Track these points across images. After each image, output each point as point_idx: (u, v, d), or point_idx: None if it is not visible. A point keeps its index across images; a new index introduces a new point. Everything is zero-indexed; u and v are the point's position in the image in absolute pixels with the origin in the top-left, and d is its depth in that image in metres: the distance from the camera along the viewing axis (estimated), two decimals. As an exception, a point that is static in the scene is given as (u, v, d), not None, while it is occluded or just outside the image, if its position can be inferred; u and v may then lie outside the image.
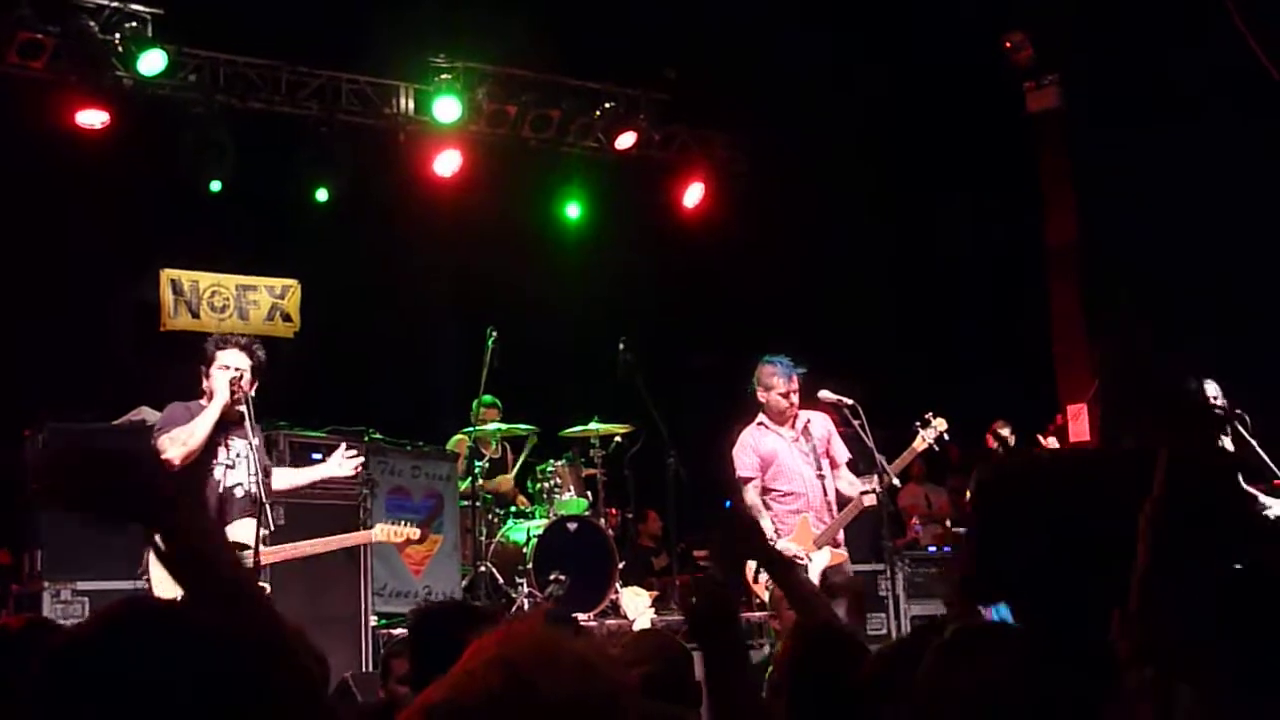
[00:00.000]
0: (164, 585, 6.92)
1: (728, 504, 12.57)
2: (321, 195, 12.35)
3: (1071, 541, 2.42)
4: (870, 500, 8.62)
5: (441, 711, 1.48)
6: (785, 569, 4.41)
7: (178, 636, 1.71)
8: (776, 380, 8.86)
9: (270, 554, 7.18)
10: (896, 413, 9.70)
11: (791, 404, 8.83)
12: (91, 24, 10.77)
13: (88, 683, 1.68)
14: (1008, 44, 12.78)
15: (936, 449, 8.89)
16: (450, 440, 11.33)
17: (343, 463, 7.74)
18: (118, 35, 10.87)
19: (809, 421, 8.97)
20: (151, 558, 7.06)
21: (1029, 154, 12.99)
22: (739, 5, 12.02)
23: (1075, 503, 2.48)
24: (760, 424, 8.94)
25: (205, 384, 7.32)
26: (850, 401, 8.75)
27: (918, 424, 8.78)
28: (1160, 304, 11.18)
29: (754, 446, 8.88)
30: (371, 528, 8.21)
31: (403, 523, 8.09)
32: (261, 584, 7.09)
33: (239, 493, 7.16)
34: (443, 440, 11.29)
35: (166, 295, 12.04)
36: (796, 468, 8.82)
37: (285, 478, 7.74)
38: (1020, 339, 12.81)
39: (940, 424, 8.70)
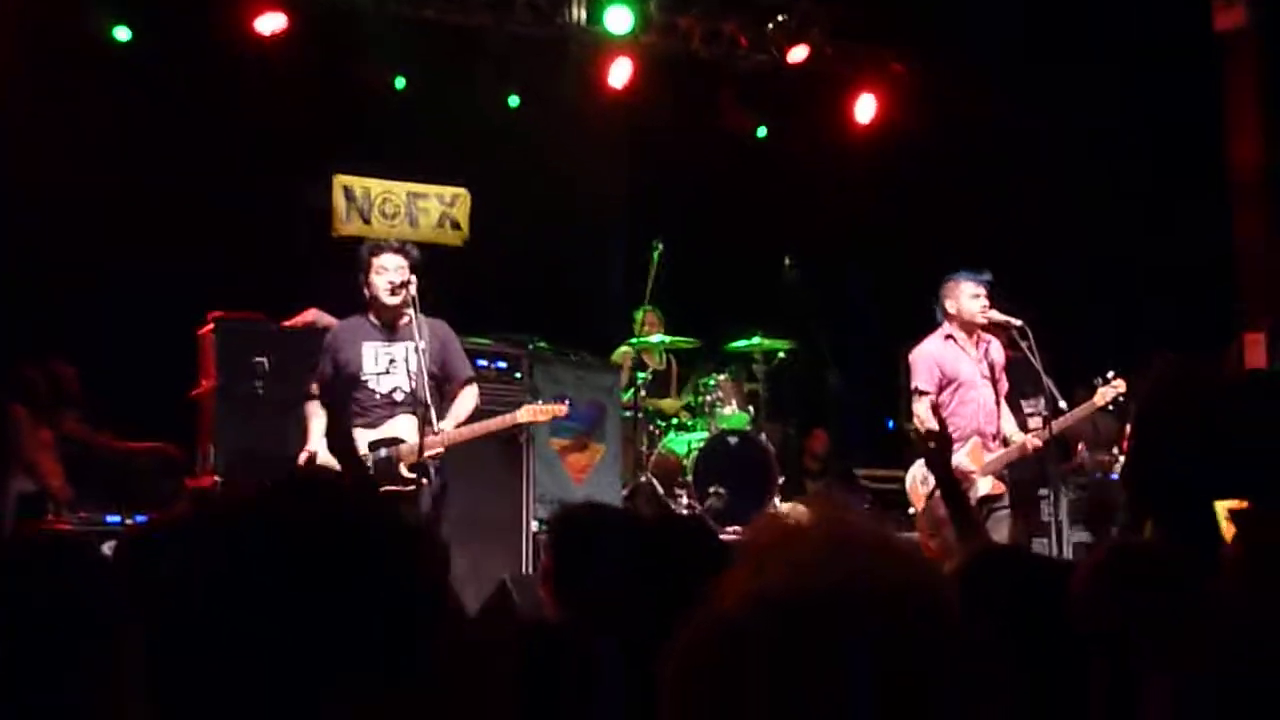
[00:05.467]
0: None
1: (890, 423, 12.53)
2: (514, 101, 12.40)
3: (1225, 464, 2.31)
4: (1035, 444, 8.52)
5: (784, 605, 1.37)
6: (958, 487, 4.39)
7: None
8: (966, 285, 8.71)
9: (429, 444, 7.32)
10: (1070, 340, 9.54)
11: (984, 308, 8.68)
12: (270, -70, 10.89)
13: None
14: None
15: (1112, 409, 8.85)
16: (615, 352, 11.37)
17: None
18: (295, -58, 10.97)
19: (990, 344, 8.84)
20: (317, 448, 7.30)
21: (1215, 75, 12.54)
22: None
23: (1236, 425, 2.36)
24: (949, 337, 8.77)
25: (366, 291, 7.52)
26: (1019, 323, 8.59)
27: (1098, 380, 8.68)
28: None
29: (938, 360, 8.70)
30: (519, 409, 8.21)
31: (554, 403, 8.20)
32: (425, 479, 7.26)
33: (398, 396, 7.37)
34: (607, 351, 11.32)
35: (339, 201, 12.23)
36: (978, 389, 8.70)
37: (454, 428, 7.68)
38: (1199, 265, 12.45)
39: (1120, 385, 8.58)
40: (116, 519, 8.36)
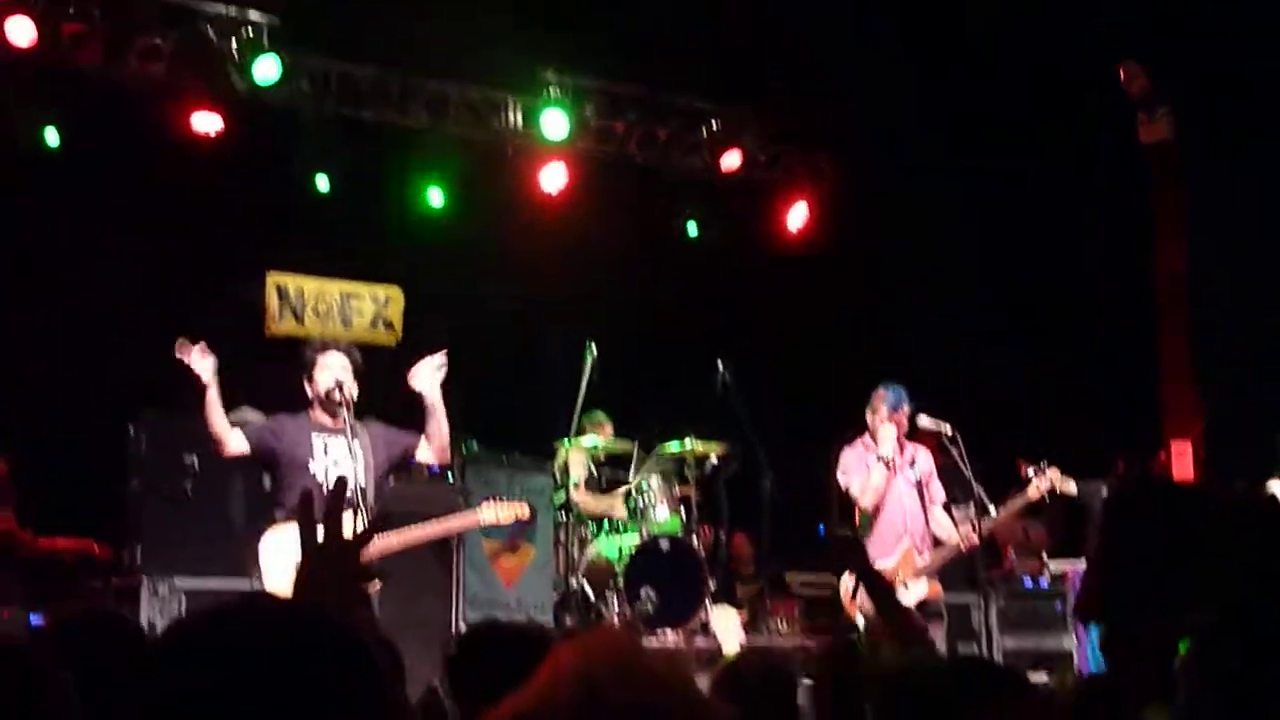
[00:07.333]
0: (277, 581, 7.02)
1: (822, 528, 12.53)
2: (436, 200, 12.45)
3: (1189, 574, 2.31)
4: (971, 543, 8.52)
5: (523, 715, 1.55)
6: (885, 587, 4.37)
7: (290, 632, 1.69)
8: (881, 406, 8.82)
9: (388, 545, 7.31)
10: (996, 445, 9.58)
11: (889, 434, 8.77)
12: (209, 30, 10.91)
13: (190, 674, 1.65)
14: (1122, 73, 12.57)
15: (1048, 500, 8.81)
16: (560, 452, 11.30)
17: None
18: (234, 42, 10.99)
19: (917, 451, 8.92)
20: (264, 553, 7.17)
21: (1142, 186, 12.78)
22: (844, 27, 11.92)
23: (1210, 540, 2.36)
24: (866, 445, 8.88)
25: (309, 389, 7.47)
26: (949, 429, 8.67)
27: (1031, 470, 8.65)
28: (1269, 340, 10.99)
29: (865, 461, 8.82)
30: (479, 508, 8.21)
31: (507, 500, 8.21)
32: (380, 580, 7.19)
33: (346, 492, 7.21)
34: (540, 452, 11.26)
35: (272, 300, 12.19)
36: (899, 497, 8.76)
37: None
38: (1125, 373, 12.59)
39: (1054, 474, 8.57)
40: (40, 619, 8.19)
